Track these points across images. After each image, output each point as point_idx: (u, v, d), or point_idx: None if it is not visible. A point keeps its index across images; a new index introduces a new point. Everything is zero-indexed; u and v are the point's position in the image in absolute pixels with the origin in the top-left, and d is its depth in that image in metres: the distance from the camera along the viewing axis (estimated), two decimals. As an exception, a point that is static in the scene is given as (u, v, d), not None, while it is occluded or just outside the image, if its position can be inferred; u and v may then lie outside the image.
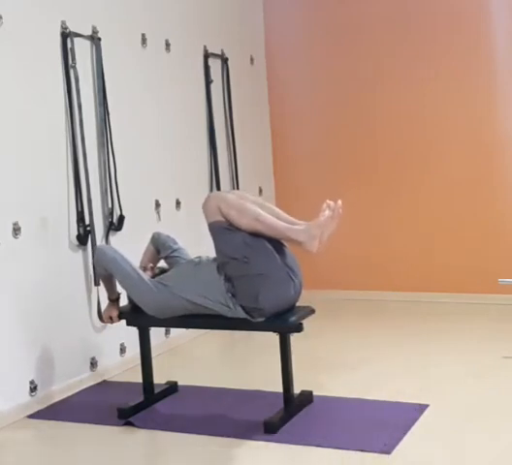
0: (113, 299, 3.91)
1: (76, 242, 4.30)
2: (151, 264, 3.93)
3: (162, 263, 4.03)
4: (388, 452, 3.22)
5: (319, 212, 3.44)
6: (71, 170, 4.28)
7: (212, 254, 3.66)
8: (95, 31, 4.44)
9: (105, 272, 3.80)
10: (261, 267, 3.45)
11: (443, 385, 4.06)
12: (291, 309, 3.61)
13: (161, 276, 3.77)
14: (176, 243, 4.00)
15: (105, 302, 4.04)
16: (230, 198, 3.54)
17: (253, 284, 3.45)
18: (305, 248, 3.44)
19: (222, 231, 3.49)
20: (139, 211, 4.77)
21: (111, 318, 3.90)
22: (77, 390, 4.22)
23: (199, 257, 3.79)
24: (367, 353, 4.72)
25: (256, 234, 3.46)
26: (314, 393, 3.88)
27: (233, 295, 3.51)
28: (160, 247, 3.99)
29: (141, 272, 3.74)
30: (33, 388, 3.98)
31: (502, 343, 4.72)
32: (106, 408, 3.87)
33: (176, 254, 3.93)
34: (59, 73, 4.23)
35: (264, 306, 3.47)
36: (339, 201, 3.49)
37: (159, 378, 4.04)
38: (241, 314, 3.52)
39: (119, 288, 3.89)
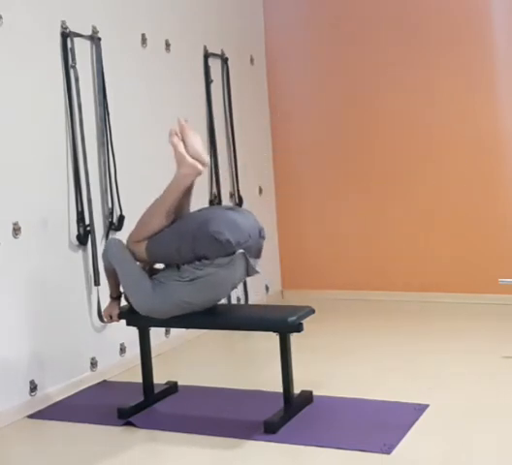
0: (115, 297, 3.87)
1: (76, 242, 4.30)
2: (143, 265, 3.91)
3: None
4: (388, 452, 3.23)
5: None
6: (71, 170, 4.28)
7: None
8: (95, 31, 4.45)
9: (110, 266, 3.76)
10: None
11: (443, 385, 4.06)
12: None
13: (157, 276, 3.73)
14: None
15: (105, 302, 4.04)
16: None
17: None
18: (195, 171, 3.55)
19: (155, 246, 3.62)
20: (139, 211, 4.72)
21: (110, 316, 3.89)
22: (77, 390, 4.22)
23: None
24: (366, 352, 4.72)
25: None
26: (314, 393, 3.89)
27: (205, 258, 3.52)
28: None
29: (143, 272, 3.72)
30: (33, 388, 3.98)
31: (502, 343, 4.72)
32: (106, 408, 3.88)
33: None
34: (59, 73, 4.23)
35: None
36: (181, 119, 3.63)
37: (159, 378, 4.04)
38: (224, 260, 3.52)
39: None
